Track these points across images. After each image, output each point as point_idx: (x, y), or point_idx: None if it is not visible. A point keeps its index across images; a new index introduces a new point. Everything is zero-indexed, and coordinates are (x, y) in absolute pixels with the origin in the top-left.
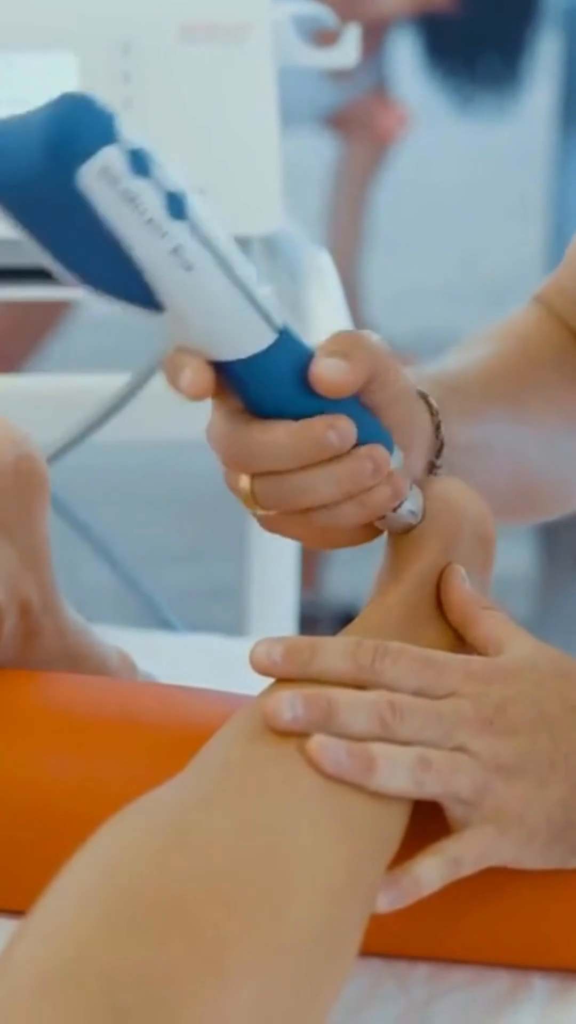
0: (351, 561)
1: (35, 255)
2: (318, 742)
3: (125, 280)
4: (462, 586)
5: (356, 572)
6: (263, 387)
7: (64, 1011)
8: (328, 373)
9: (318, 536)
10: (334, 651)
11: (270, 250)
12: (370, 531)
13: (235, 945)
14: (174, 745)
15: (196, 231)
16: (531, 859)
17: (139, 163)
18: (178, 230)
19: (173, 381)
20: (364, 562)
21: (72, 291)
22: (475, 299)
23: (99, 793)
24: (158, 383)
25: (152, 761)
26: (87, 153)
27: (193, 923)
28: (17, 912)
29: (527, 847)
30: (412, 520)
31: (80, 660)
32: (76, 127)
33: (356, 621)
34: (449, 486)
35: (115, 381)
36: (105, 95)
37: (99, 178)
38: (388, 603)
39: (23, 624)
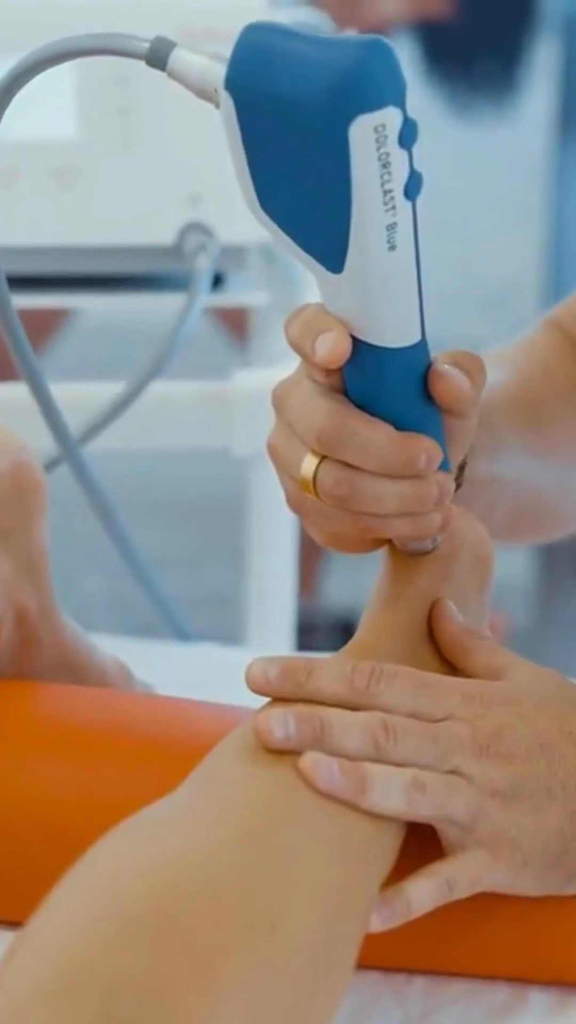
0: (349, 569)
1: (41, 262)
2: (311, 759)
3: (319, 231)
4: (453, 619)
5: (355, 580)
6: (381, 380)
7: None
8: (455, 382)
9: (334, 537)
10: (330, 673)
11: (267, 258)
12: (379, 543)
13: (228, 959)
14: (171, 758)
15: (414, 217)
16: (525, 885)
17: (408, 133)
18: (404, 209)
19: (304, 340)
20: (362, 570)
21: (68, 299)
22: (472, 305)
23: (95, 805)
24: (154, 391)
25: (149, 774)
26: (375, 105)
27: (187, 937)
28: (14, 924)
29: (521, 873)
30: (430, 547)
31: (77, 669)
32: (378, 76)
33: (352, 642)
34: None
35: (111, 390)
36: (101, 101)
37: (371, 132)
38: (385, 623)
39: (20, 632)
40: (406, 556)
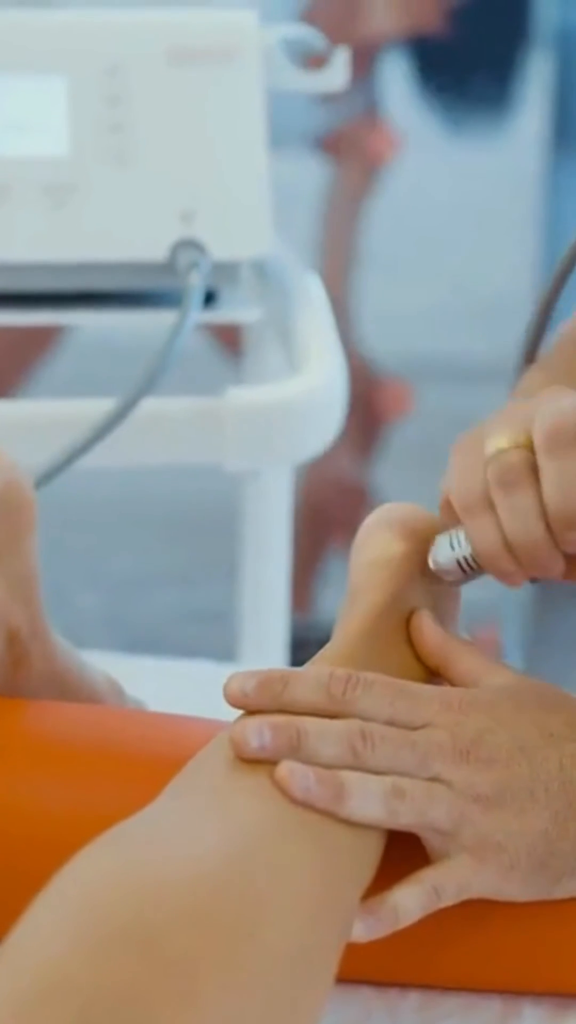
0: (344, 585)
1: (33, 278)
2: (287, 768)
3: None
4: (433, 628)
5: None
6: None
7: None
8: None
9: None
10: (306, 682)
11: (260, 273)
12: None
13: (207, 966)
14: (162, 774)
15: None
16: (512, 889)
17: None
18: None
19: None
20: None
21: (60, 316)
22: (466, 322)
23: (86, 821)
24: (146, 408)
25: (140, 790)
26: None
27: (165, 946)
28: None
29: (508, 877)
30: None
31: (68, 686)
32: None
33: (327, 648)
34: (415, 513)
35: (102, 406)
36: (93, 118)
37: None
38: (355, 628)
39: (11, 652)
40: (375, 561)
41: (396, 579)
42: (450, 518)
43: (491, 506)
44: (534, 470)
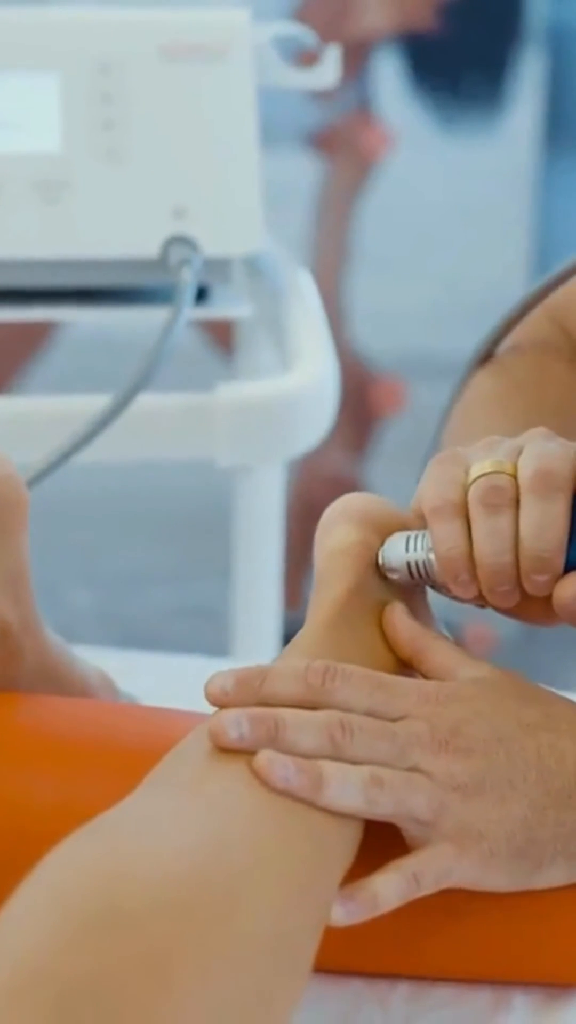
0: None
1: (25, 275)
2: (266, 757)
3: None
4: (404, 621)
5: None
6: None
7: None
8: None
9: None
10: (284, 676)
11: (252, 270)
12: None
13: (181, 953)
14: (152, 767)
15: None
16: (492, 878)
17: None
18: None
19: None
20: None
21: (53, 312)
22: (458, 319)
23: (77, 814)
24: (139, 404)
25: (130, 783)
26: None
27: (140, 934)
28: None
29: (488, 864)
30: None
31: (60, 681)
32: None
33: (294, 639)
34: (376, 504)
35: (96, 402)
36: (86, 115)
37: None
38: (321, 619)
39: (3, 647)
40: (332, 550)
41: (356, 568)
42: (420, 527)
43: (463, 515)
44: (516, 502)
